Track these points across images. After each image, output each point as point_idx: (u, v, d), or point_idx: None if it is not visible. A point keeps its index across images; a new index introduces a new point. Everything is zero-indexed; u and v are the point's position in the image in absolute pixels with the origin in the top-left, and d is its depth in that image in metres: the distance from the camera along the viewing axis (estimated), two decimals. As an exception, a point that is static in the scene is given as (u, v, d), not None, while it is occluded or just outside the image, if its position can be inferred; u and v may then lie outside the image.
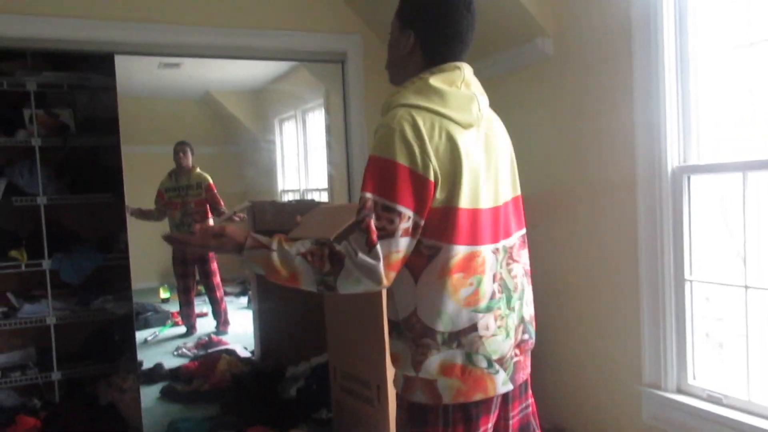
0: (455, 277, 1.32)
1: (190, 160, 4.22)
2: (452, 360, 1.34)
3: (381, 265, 1.25)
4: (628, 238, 2.28)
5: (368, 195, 1.27)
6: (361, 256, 1.24)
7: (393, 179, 1.27)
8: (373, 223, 1.25)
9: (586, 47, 2.42)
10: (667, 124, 2.11)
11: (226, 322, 4.42)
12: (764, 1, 1.90)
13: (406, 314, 1.36)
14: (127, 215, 3.28)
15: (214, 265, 4.35)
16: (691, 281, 2.13)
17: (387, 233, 1.25)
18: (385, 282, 1.27)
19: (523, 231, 1.50)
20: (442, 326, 1.33)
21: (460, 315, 1.33)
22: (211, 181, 4.23)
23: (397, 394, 1.43)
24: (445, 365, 1.33)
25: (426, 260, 1.33)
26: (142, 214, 4.12)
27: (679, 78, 2.11)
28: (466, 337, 1.34)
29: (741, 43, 1.98)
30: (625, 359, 2.33)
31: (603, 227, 2.41)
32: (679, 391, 2.16)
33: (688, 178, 2.11)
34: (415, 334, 1.35)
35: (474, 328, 1.34)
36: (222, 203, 4.23)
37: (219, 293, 4.41)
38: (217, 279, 4.38)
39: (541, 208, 2.71)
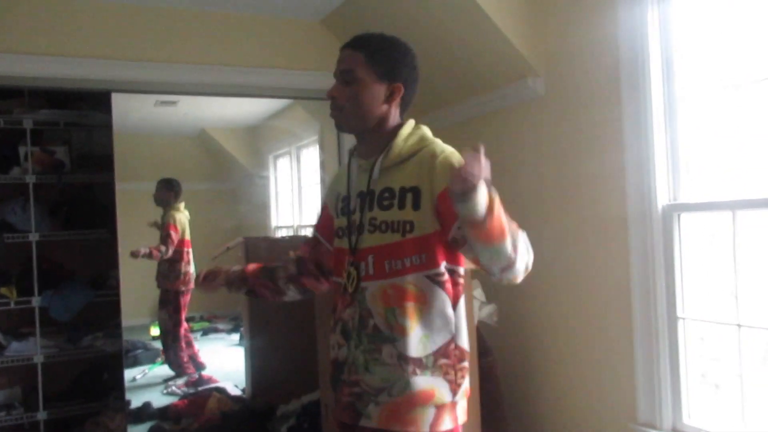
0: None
1: (162, 197, 4.17)
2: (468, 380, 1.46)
3: None
4: (620, 276, 2.28)
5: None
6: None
7: None
8: None
9: (577, 87, 2.47)
10: (656, 163, 2.14)
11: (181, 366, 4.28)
12: (748, 44, 1.96)
13: (442, 344, 1.40)
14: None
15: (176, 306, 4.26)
16: (683, 319, 2.13)
17: None
18: None
19: None
20: (468, 347, 1.45)
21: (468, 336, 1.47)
22: (170, 221, 4.09)
23: None
24: (467, 386, 1.45)
25: (462, 288, 1.44)
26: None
27: (668, 117, 2.15)
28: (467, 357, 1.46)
29: (727, 84, 2.03)
30: (619, 397, 2.31)
31: (595, 265, 2.42)
32: (675, 431, 2.14)
33: (679, 216, 2.13)
34: (455, 360, 1.41)
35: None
36: (164, 246, 4.07)
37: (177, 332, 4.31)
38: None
39: (532, 245, 2.71)
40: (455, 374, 1.40)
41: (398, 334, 1.38)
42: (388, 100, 1.46)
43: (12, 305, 3.12)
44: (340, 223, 1.54)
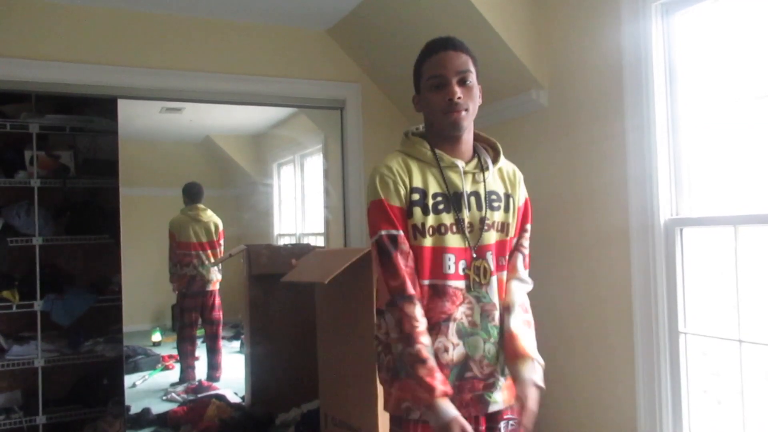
0: None
1: None
2: None
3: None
4: (621, 290, 2.28)
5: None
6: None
7: None
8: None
9: (580, 100, 2.48)
10: (659, 177, 2.14)
11: (217, 372, 4.32)
12: (751, 59, 1.97)
13: None
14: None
15: (221, 313, 4.28)
16: (685, 333, 2.12)
17: None
18: None
19: None
20: None
21: None
22: (169, 228, 4.13)
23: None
24: None
25: None
26: None
27: (670, 131, 2.16)
28: None
29: (730, 99, 2.03)
30: (620, 412, 2.30)
31: (596, 278, 2.41)
32: (676, 447, 2.13)
33: (681, 231, 2.13)
34: None
35: None
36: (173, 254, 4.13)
37: (220, 343, 4.34)
38: (221, 328, 4.31)
39: (534, 258, 2.71)
40: None
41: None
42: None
43: (14, 309, 3.13)
44: (437, 220, 1.50)
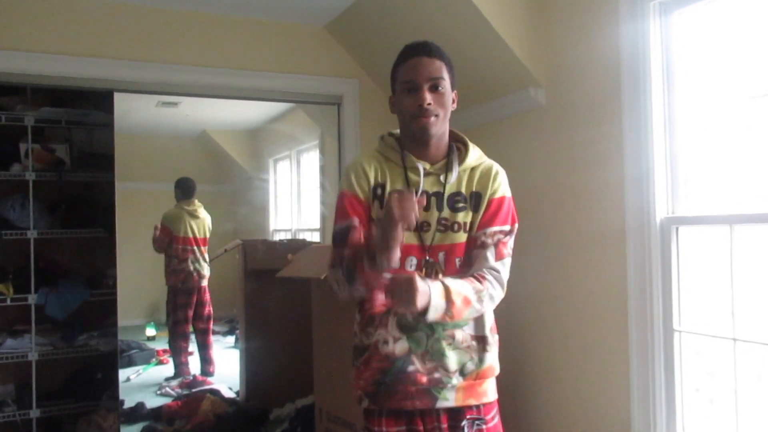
0: None
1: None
2: None
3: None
4: (617, 288, 2.29)
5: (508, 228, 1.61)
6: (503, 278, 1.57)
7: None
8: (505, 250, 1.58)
9: (578, 99, 2.48)
10: (655, 176, 2.15)
11: (211, 367, 4.34)
12: (749, 59, 1.97)
13: (493, 321, 1.63)
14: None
15: (211, 308, 4.31)
16: (680, 332, 2.13)
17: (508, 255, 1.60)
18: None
19: None
20: None
21: None
22: (162, 221, 4.16)
23: (493, 405, 1.64)
24: None
25: None
26: None
27: (668, 130, 2.16)
28: None
29: (727, 98, 2.04)
30: (614, 410, 2.31)
31: (592, 277, 2.42)
32: (669, 445, 2.14)
33: (677, 230, 2.14)
34: (497, 335, 1.64)
35: None
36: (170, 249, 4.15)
37: (211, 338, 4.36)
38: (211, 323, 4.34)
39: (530, 256, 2.72)
40: (498, 348, 1.64)
41: (470, 319, 1.58)
42: (453, 107, 1.60)
43: (8, 302, 3.12)
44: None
